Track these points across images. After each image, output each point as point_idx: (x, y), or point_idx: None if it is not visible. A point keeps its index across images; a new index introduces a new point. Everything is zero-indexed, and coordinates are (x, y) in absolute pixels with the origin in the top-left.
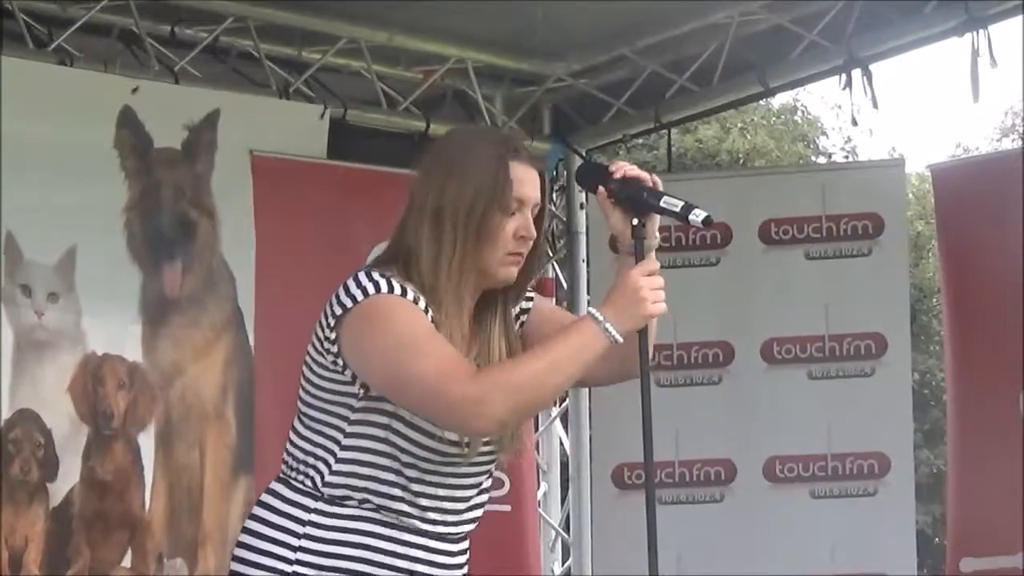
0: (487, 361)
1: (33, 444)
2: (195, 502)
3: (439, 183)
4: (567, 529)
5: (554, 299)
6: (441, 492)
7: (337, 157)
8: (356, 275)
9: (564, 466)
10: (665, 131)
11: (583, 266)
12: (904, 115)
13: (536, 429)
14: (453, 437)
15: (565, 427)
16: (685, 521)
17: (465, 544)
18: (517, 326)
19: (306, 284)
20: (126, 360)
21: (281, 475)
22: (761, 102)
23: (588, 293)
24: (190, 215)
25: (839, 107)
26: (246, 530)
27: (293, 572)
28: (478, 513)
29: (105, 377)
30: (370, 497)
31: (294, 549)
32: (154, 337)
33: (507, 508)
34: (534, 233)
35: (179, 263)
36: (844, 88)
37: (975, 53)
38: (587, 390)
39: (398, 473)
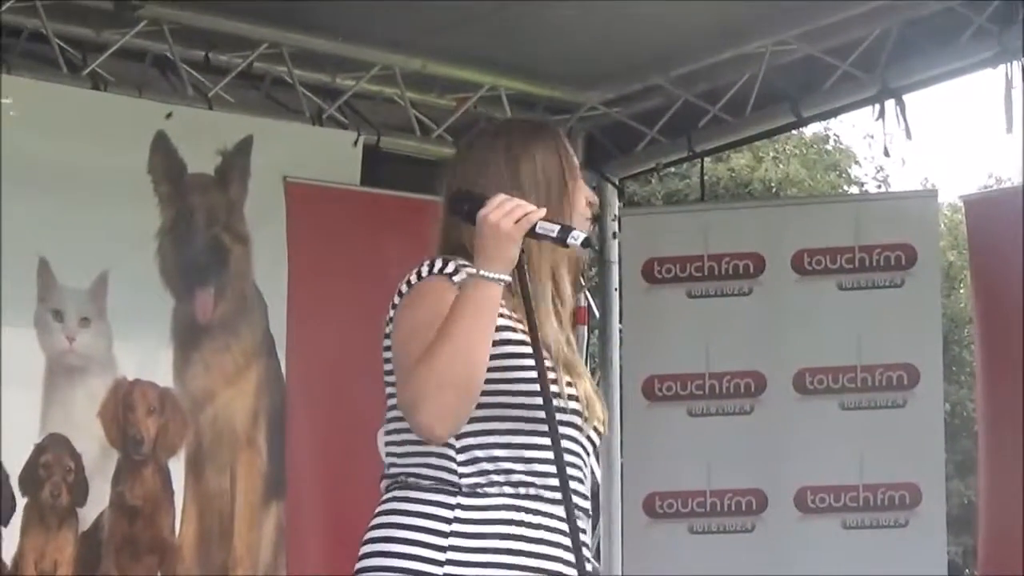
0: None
1: (63, 469)
2: (226, 527)
3: (509, 166)
4: (597, 558)
5: (587, 327)
6: (548, 455)
7: (370, 184)
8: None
9: (595, 494)
10: (697, 160)
11: (615, 295)
12: (937, 145)
13: None
14: (573, 406)
15: (596, 455)
16: (716, 551)
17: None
18: None
19: (338, 311)
20: (157, 385)
21: (399, 481)
22: (793, 131)
23: (620, 322)
24: (223, 241)
25: (871, 137)
26: (380, 539)
27: (446, 561)
28: (587, 489)
29: (135, 402)
30: (500, 477)
31: (443, 549)
32: (185, 362)
33: None
34: (597, 200)
35: (211, 288)
36: (877, 119)
37: (1009, 84)
38: (619, 417)
39: (508, 446)
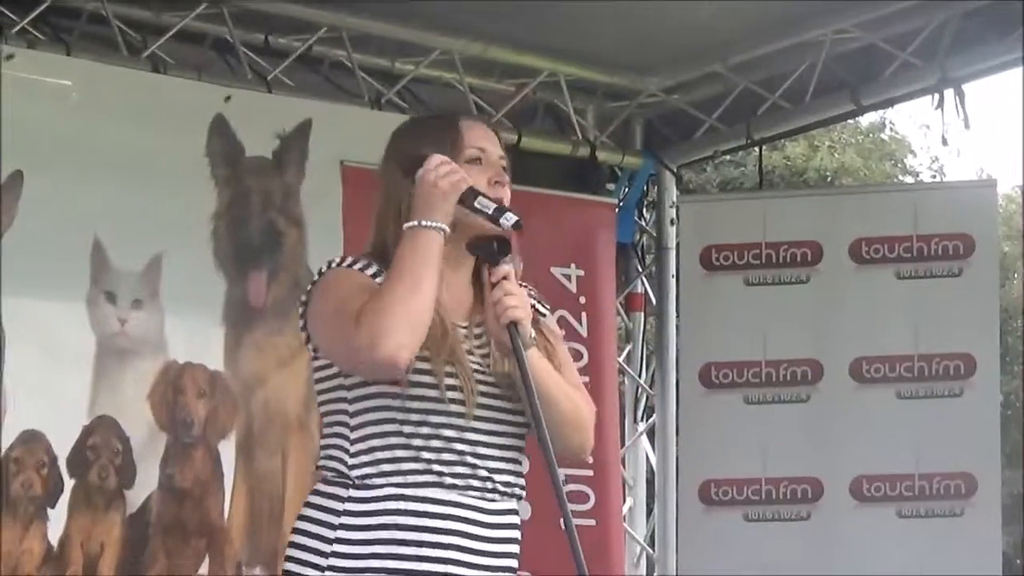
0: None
1: (111, 451)
2: (276, 510)
3: (404, 157)
4: (652, 544)
5: (643, 314)
6: (452, 457)
7: None
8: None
9: (650, 481)
10: (753, 148)
11: (672, 282)
12: (991, 135)
13: (622, 444)
14: (454, 396)
15: (652, 442)
16: (771, 538)
17: (509, 519)
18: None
19: None
20: (207, 368)
21: (317, 474)
22: (850, 120)
23: (677, 308)
24: (278, 224)
25: (927, 127)
26: (293, 530)
27: (331, 553)
28: (510, 488)
29: (185, 385)
30: (392, 474)
31: (330, 542)
32: (237, 346)
33: (592, 522)
34: (507, 178)
35: (265, 272)
36: (936, 108)
37: None
38: (674, 406)
39: (406, 447)
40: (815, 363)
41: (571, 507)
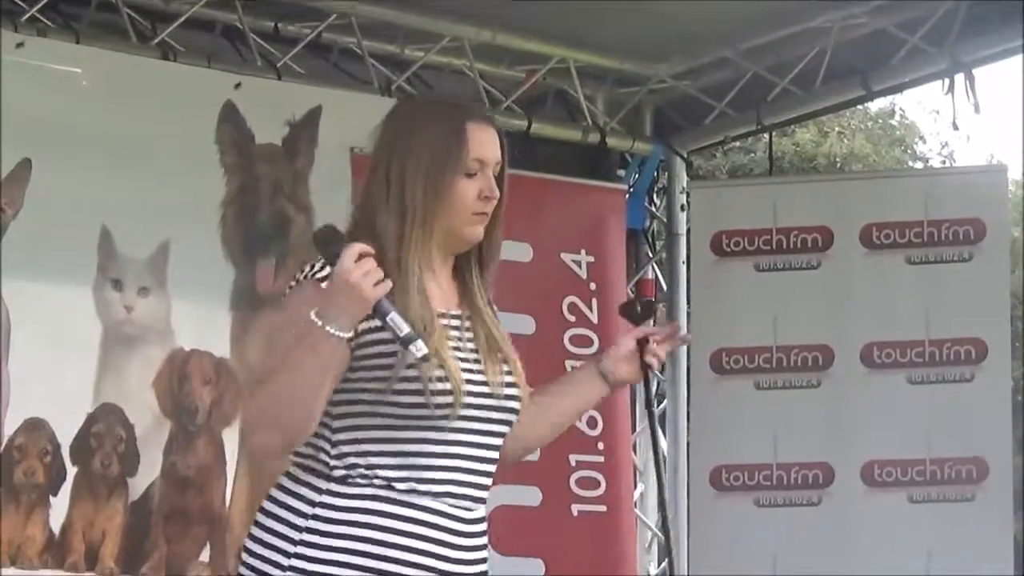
0: (482, 325)
1: (115, 439)
2: None
3: (398, 153)
4: (663, 530)
5: (654, 300)
6: (436, 463)
7: None
8: None
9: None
10: (763, 134)
11: (683, 268)
12: (1002, 121)
13: (633, 430)
14: (440, 400)
15: (663, 428)
16: (782, 523)
17: (481, 527)
18: None
19: None
20: (213, 355)
21: (292, 460)
22: (859, 106)
23: (688, 294)
24: (287, 211)
25: (937, 112)
26: (259, 510)
27: (295, 552)
28: (483, 494)
29: (191, 373)
30: (373, 470)
31: (300, 530)
32: (244, 332)
33: (603, 509)
34: (497, 193)
35: (273, 259)
36: (947, 93)
37: None
38: (685, 392)
39: (392, 441)
40: (826, 348)
41: (581, 493)
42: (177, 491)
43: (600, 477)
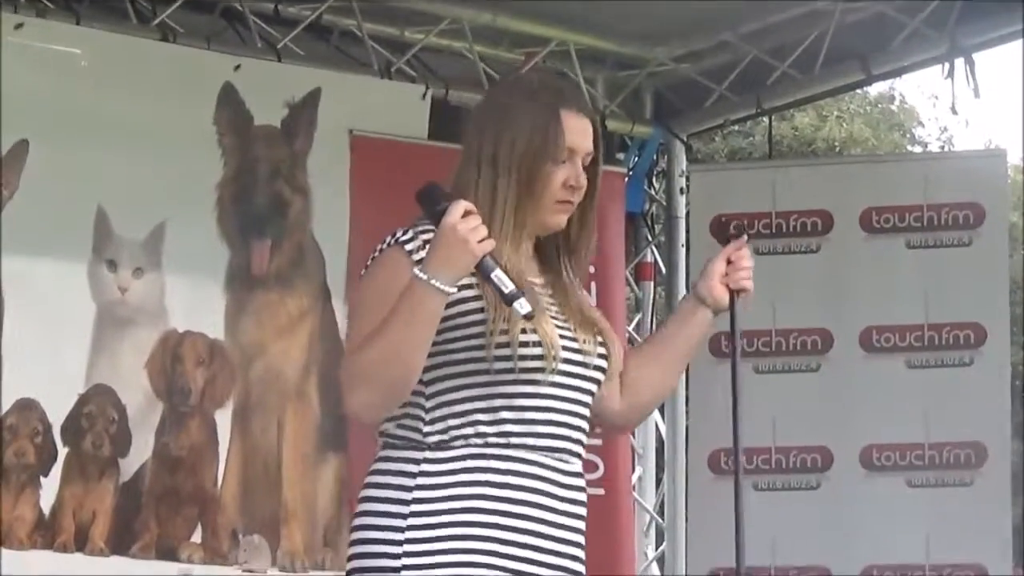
0: (572, 296)
1: (106, 419)
2: (272, 479)
3: (492, 133)
4: (661, 514)
5: (652, 283)
6: (533, 417)
7: (438, 138)
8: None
9: (660, 451)
10: (762, 118)
11: (682, 251)
12: (1000, 106)
13: None
14: (534, 362)
15: (661, 411)
16: (780, 507)
17: (580, 481)
18: None
19: None
20: (207, 337)
21: (382, 441)
22: (858, 91)
23: (687, 277)
24: (283, 193)
25: (936, 97)
26: (361, 499)
27: (408, 525)
28: (581, 448)
29: (184, 354)
30: (471, 436)
31: (406, 507)
32: (238, 314)
33: (601, 491)
34: (584, 182)
35: (268, 241)
36: (946, 77)
37: None
38: (684, 375)
39: (488, 398)
40: (825, 332)
41: None
42: (169, 472)
43: (598, 460)
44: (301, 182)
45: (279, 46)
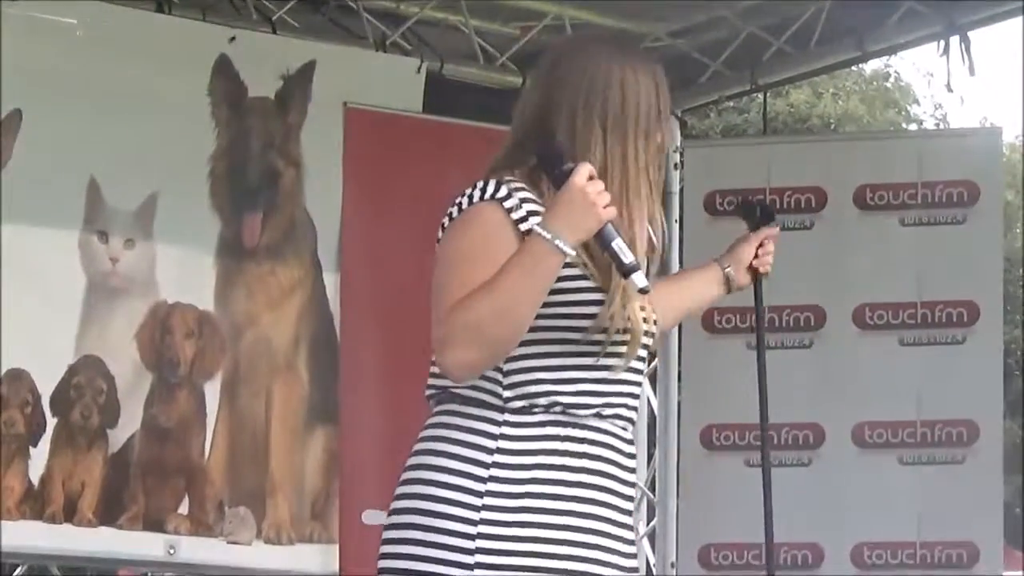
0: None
1: (95, 390)
2: (260, 450)
3: (600, 90)
4: (652, 489)
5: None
6: (607, 389)
7: (432, 111)
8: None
9: (651, 426)
10: (757, 94)
11: (676, 227)
12: (995, 84)
13: None
14: (622, 337)
15: (653, 386)
16: (773, 484)
17: (633, 448)
18: None
19: (397, 238)
20: (196, 308)
21: (447, 397)
22: (854, 68)
23: (681, 253)
24: (277, 165)
25: (931, 75)
26: (428, 452)
27: (489, 476)
28: (635, 413)
29: (174, 325)
30: (548, 403)
31: (487, 466)
32: (228, 286)
33: None
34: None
35: (260, 213)
36: (942, 55)
37: None
38: (676, 350)
39: (568, 368)
40: (818, 309)
41: None
42: (157, 443)
43: None
44: (294, 154)
45: (274, 18)
